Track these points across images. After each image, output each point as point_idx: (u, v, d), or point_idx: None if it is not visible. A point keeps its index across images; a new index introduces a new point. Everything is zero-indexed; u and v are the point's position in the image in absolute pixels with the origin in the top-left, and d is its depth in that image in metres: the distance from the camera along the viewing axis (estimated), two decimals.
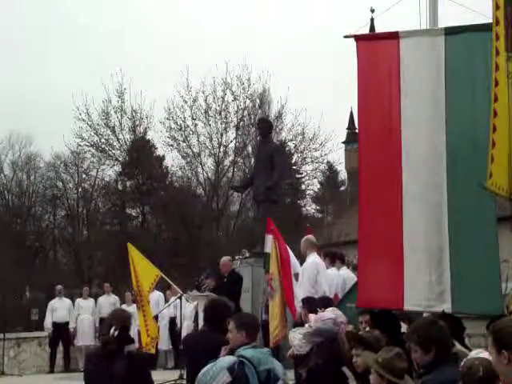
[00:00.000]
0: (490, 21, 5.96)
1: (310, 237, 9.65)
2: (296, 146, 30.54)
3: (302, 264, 9.45)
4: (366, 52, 6.85)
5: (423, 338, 4.46)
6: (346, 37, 6.85)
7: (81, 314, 15.09)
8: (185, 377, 5.89)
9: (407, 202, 6.47)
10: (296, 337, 6.89)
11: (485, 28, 6.26)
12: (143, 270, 12.29)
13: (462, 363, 3.85)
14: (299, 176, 32.88)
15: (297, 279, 9.41)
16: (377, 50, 6.90)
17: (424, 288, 6.37)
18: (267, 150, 12.88)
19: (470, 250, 6.32)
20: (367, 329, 6.11)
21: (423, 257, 6.39)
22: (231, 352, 4.84)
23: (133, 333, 14.43)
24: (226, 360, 4.65)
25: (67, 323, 14.95)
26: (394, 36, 6.77)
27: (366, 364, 4.77)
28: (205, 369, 4.63)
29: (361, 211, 6.86)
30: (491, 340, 3.17)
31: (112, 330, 5.11)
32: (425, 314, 6.74)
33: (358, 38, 6.87)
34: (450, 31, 6.66)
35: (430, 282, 6.35)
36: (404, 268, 6.39)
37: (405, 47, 6.68)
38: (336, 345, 5.65)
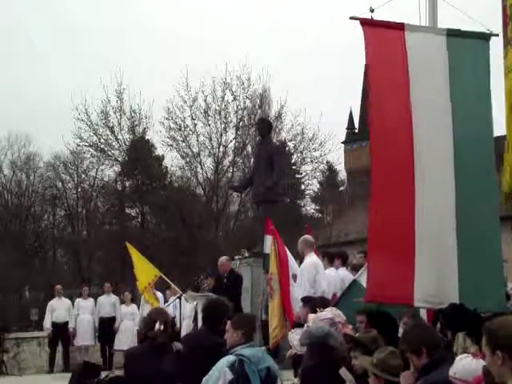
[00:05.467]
0: (485, 27, 6.49)
1: (308, 237, 9.65)
2: (295, 146, 30.57)
3: (300, 264, 9.45)
4: (373, 37, 6.73)
5: (410, 343, 4.56)
6: (351, 18, 6.74)
7: (80, 313, 15.06)
8: None
9: (420, 198, 6.42)
10: (296, 337, 6.90)
11: (484, 37, 6.64)
12: (141, 269, 12.40)
13: (454, 372, 3.89)
14: (299, 176, 32.90)
15: (295, 280, 9.42)
16: (383, 37, 6.82)
17: (434, 285, 6.37)
18: (267, 150, 12.88)
19: (476, 247, 6.39)
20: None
21: (434, 254, 6.40)
22: (228, 351, 4.86)
23: (133, 332, 14.58)
24: (226, 360, 4.69)
25: (67, 323, 14.92)
26: (399, 27, 6.76)
27: (363, 367, 4.79)
28: (207, 376, 4.68)
29: (372, 205, 6.73)
30: (485, 340, 3.16)
31: (157, 325, 5.27)
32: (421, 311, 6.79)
33: (364, 23, 6.76)
34: (452, 33, 6.78)
35: (440, 279, 6.36)
36: (415, 264, 6.35)
37: (411, 40, 6.69)
38: (328, 347, 5.64)
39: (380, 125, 6.69)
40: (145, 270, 12.53)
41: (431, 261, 6.38)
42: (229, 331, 5.02)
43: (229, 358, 4.70)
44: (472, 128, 6.53)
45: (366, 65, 6.73)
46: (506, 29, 5.36)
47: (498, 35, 6.69)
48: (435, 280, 6.37)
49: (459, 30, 6.83)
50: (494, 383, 3.20)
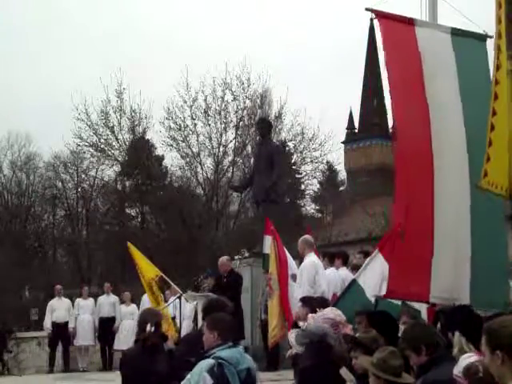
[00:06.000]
0: (482, 30, 6.60)
1: (307, 237, 9.63)
2: (295, 145, 30.59)
3: (300, 264, 9.45)
4: (388, 30, 6.78)
5: (411, 341, 4.59)
6: (367, 9, 6.78)
7: (80, 313, 15.07)
8: None
9: (439, 196, 6.43)
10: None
11: (482, 38, 6.80)
12: (144, 268, 12.42)
13: (463, 365, 3.90)
14: (299, 176, 32.91)
15: (294, 280, 9.42)
16: (397, 30, 6.87)
17: (449, 281, 6.40)
18: (267, 150, 12.88)
19: (486, 244, 6.44)
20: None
21: (451, 249, 6.43)
22: (206, 353, 4.77)
23: (133, 332, 14.58)
24: (204, 364, 4.59)
25: (67, 323, 14.92)
26: (410, 22, 6.83)
27: (364, 367, 4.79)
28: (185, 380, 4.60)
29: (396, 203, 6.74)
30: (485, 340, 3.14)
31: (148, 327, 5.25)
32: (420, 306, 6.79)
33: (379, 15, 6.79)
34: (456, 32, 6.87)
35: (455, 275, 6.40)
36: (432, 260, 6.36)
37: (421, 35, 6.76)
38: (326, 346, 5.62)
39: (402, 120, 6.66)
40: (146, 270, 12.54)
41: (448, 256, 6.41)
42: (205, 333, 4.94)
43: (207, 362, 4.59)
44: (479, 127, 6.55)
45: (384, 57, 6.69)
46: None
47: (492, 37, 6.74)
48: (451, 276, 6.40)
49: (462, 29, 6.91)
50: (494, 383, 3.20)
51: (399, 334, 5.52)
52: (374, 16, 6.75)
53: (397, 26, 6.84)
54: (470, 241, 6.41)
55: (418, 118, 6.59)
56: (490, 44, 6.71)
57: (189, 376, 4.60)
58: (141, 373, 5.19)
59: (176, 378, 5.11)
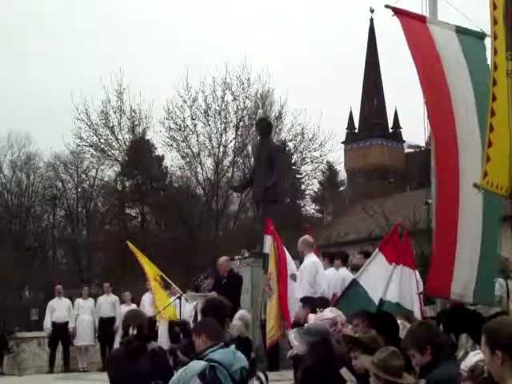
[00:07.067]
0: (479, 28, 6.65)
1: (307, 237, 9.62)
2: (295, 146, 30.60)
3: (300, 265, 9.44)
4: (409, 27, 6.81)
5: (416, 340, 4.57)
6: (386, 6, 6.82)
7: (80, 313, 15.06)
8: None
9: (463, 195, 6.48)
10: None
11: (481, 36, 6.91)
12: (145, 267, 12.42)
13: (466, 365, 3.90)
14: (299, 176, 32.91)
15: (294, 280, 9.41)
16: (414, 27, 6.91)
17: (465, 278, 6.45)
18: (266, 150, 12.88)
19: (490, 243, 6.51)
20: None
21: (468, 248, 6.48)
22: (198, 356, 4.69)
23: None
24: (196, 366, 4.50)
25: (67, 323, 14.92)
26: (422, 20, 6.89)
27: (365, 367, 4.79)
28: (175, 376, 4.53)
29: (436, 203, 6.78)
30: (484, 340, 3.13)
31: (131, 330, 5.24)
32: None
33: (398, 12, 6.83)
34: (459, 30, 6.93)
35: (468, 273, 6.44)
36: (455, 257, 6.42)
37: (434, 32, 6.82)
38: (329, 344, 5.62)
39: (435, 122, 6.66)
40: (146, 269, 12.53)
41: (466, 254, 6.46)
42: (194, 340, 4.87)
43: (199, 364, 4.50)
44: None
45: (410, 53, 6.70)
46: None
47: (489, 36, 6.77)
48: (467, 273, 6.44)
49: (465, 28, 6.98)
50: (493, 382, 3.19)
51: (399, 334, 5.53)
52: (392, 13, 6.78)
53: (414, 23, 6.90)
54: (481, 238, 6.44)
55: (444, 115, 6.63)
56: (487, 43, 6.76)
57: (180, 372, 4.51)
58: (125, 375, 5.20)
59: (159, 377, 5.11)
